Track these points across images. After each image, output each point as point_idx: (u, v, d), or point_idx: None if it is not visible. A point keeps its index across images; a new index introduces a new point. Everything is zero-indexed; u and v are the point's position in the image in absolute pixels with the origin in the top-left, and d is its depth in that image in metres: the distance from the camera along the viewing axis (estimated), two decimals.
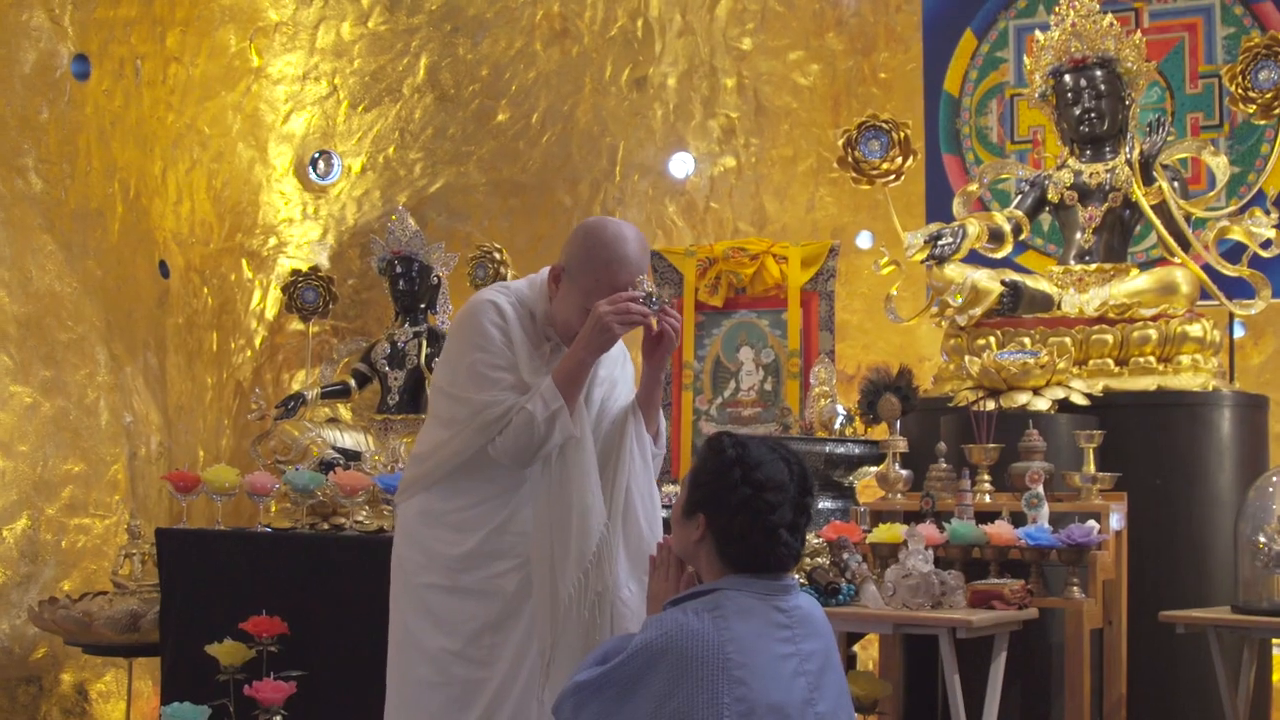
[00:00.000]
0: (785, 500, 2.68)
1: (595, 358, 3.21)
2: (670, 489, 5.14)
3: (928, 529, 4.54)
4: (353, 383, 7.00)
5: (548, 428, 3.13)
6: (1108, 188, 5.81)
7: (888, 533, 4.62)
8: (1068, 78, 5.85)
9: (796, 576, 4.36)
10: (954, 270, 5.72)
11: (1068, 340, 5.46)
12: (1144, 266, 5.91)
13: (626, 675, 2.60)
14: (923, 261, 5.84)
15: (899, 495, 5.09)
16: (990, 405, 5.14)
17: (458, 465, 3.24)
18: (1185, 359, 5.42)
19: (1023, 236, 6.08)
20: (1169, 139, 5.88)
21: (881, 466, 5.23)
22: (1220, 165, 5.89)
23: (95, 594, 6.05)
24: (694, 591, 2.70)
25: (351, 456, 6.30)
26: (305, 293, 7.20)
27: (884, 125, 6.03)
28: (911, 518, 4.82)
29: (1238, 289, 5.68)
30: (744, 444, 2.74)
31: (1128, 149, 5.81)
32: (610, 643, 2.76)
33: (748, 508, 2.66)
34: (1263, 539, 4.56)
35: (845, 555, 4.48)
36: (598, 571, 3.15)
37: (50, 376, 6.77)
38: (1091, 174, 5.85)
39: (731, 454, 2.72)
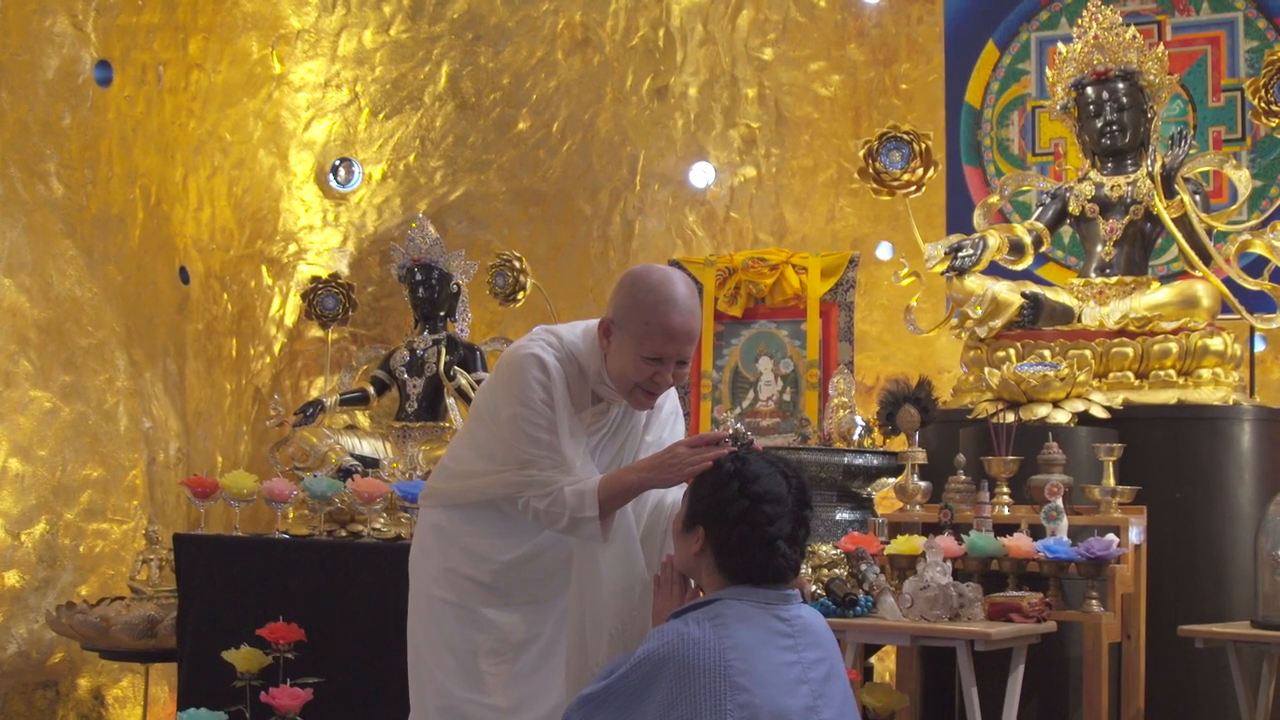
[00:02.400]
0: (783, 513, 2.70)
1: (653, 488, 3.11)
2: None
3: (946, 541, 4.52)
4: (371, 390, 7.01)
5: (572, 527, 3.07)
6: (1129, 200, 5.79)
7: (906, 544, 4.61)
8: (1090, 90, 5.83)
9: (815, 587, 4.38)
10: (974, 282, 5.71)
11: (1088, 353, 5.45)
12: (1165, 280, 5.89)
13: (630, 686, 2.62)
14: (943, 273, 5.83)
15: (917, 507, 5.08)
16: (1010, 417, 5.13)
17: (480, 500, 3.24)
18: (1206, 373, 5.40)
19: (1043, 249, 6.07)
20: (1191, 152, 5.87)
21: (900, 478, 5.22)
22: (1242, 179, 5.87)
23: (113, 599, 6.06)
24: (695, 603, 2.71)
25: (369, 463, 6.31)
26: (325, 299, 7.21)
27: (905, 136, 6.02)
28: (930, 529, 4.80)
29: (1259, 303, 5.66)
30: (742, 458, 2.77)
31: (1149, 162, 5.79)
32: (613, 660, 2.77)
33: (746, 520, 2.68)
34: None
35: (863, 566, 4.47)
36: (630, 644, 3.10)
37: (70, 382, 6.79)
38: (1113, 187, 5.84)
39: (730, 467, 2.75)
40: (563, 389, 3.11)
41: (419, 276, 6.90)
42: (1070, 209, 5.94)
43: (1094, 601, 4.52)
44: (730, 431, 2.99)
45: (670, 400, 3.34)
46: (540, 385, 3.09)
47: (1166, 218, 5.67)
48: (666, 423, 3.32)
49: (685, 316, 3.06)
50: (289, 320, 8.41)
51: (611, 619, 3.10)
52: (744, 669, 2.58)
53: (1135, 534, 4.77)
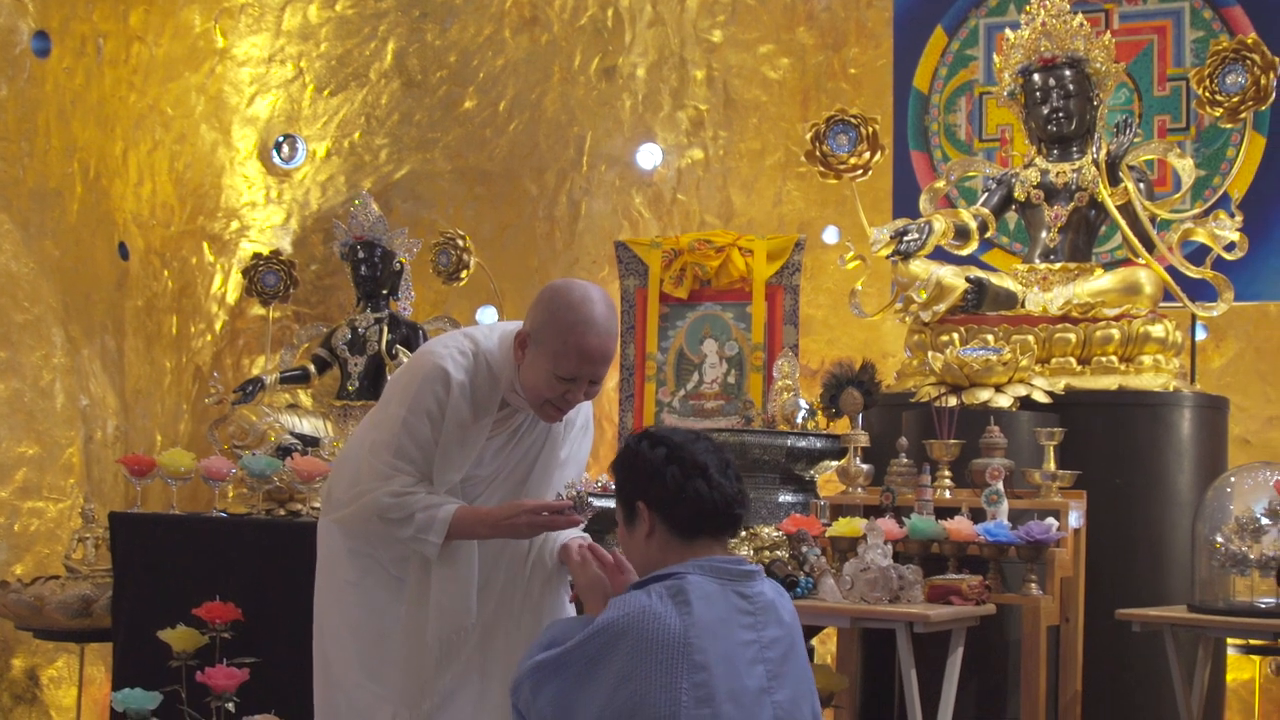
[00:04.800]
0: (700, 448, 2.73)
1: (498, 539, 3.18)
2: None
3: (887, 524, 4.53)
4: (312, 368, 6.94)
5: (412, 542, 3.12)
6: (1074, 187, 5.82)
7: (847, 526, 4.61)
8: (1037, 77, 5.85)
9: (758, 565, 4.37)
10: (919, 266, 5.72)
11: (1031, 338, 5.47)
12: (1108, 266, 5.92)
13: (586, 655, 2.59)
14: (888, 257, 5.83)
15: (859, 489, 5.08)
16: (952, 401, 5.14)
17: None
18: (1147, 359, 5.43)
19: (988, 234, 6.09)
20: (1136, 140, 5.90)
21: (842, 461, 5.22)
22: (1186, 168, 5.91)
23: (47, 578, 5.97)
24: (657, 575, 2.68)
25: (309, 442, 6.25)
26: (266, 276, 7.13)
27: (852, 120, 6.02)
28: (871, 512, 4.81)
29: (1201, 291, 5.70)
30: (644, 431, 2.82)
31: (1095, 149, 5.82)
32: (564, 627, 2.74)
33: (672, 460, 2.70)
34: (1220, 539, 4.57)
35: (804, 548, 4.47)
36: (449, 668, 3.17)
37: (5, 358, 6.68)
38: (1058, 173, 5.86)
39: (634, 438, 2.80)
40: (462, 404, 3.12)
41: (361, 254, 6.84)
42: (1016, 195, 5.96)
43: (1033, 585, 4.54)
44: (571, 498, 3.11)
45: (583, 414, 3.35)
46: (436, 401, 3.10)
47: (1111, 205, 5.70)
48: (577, 438, 3.35)
49: (602, 339, 3.06)
50: (230, 298, 8.32)
51: (435, 632, 3.14)
52: (702, 647, 2.56)
53: (1075, 518, 4.79)
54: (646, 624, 2.56)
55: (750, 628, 2.65)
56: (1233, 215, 5.61)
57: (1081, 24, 5.85)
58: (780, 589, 2.80)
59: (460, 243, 6.81)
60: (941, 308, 5.63)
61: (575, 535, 3.25)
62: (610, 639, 2.58)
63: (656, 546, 2.72)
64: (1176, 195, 5.95)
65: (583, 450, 3.39)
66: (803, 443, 5.49)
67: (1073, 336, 5.48)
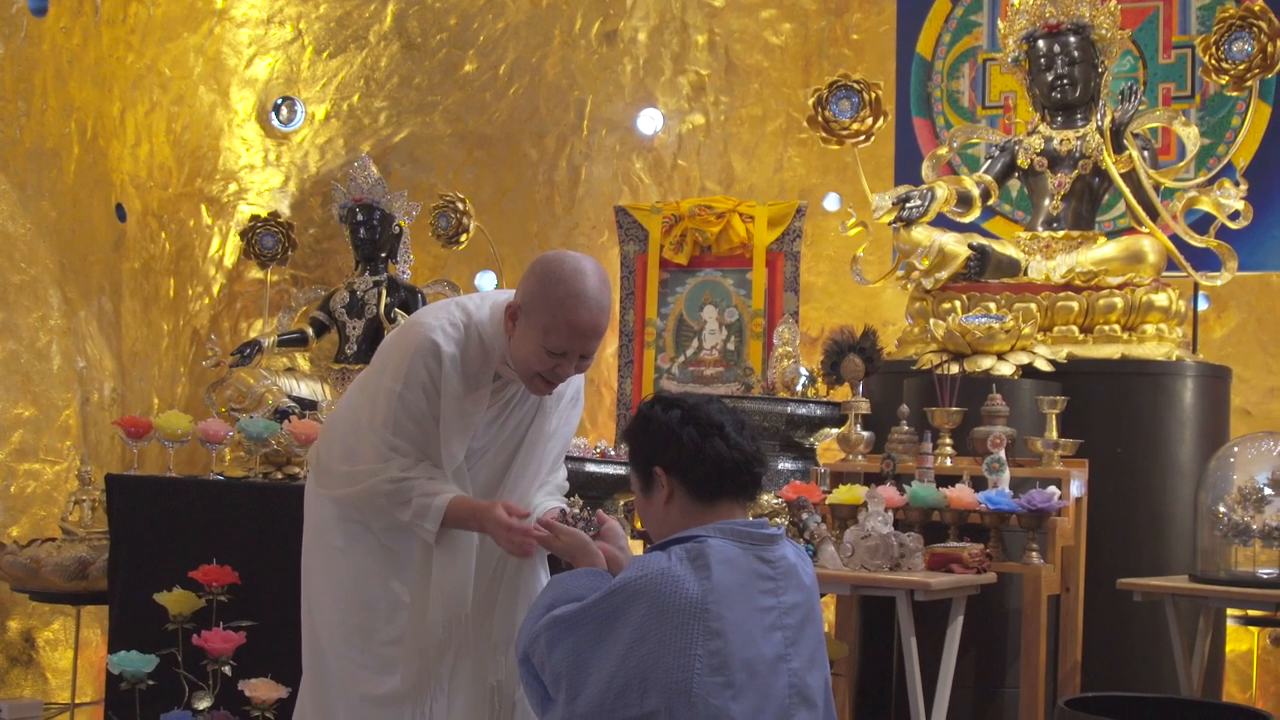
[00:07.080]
0: (715, 409, 2.72)
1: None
2: None
3: (888, 491, 4.51)
4: (310, 331, 6.91)
5: (410, 525, 3.10)
6: (1078, 155, 5.78)
7: (848, 494, 4.60)
8: (1041, 43, 5.81)
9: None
10: (921, 233, 5.70)
11: (1033, 306, 5.46)
12: (1112, 235, 5.89)
13: (603, 612, 2.58)
14: (890, 223, 5.80)
15: (860, 457, 5.07)
16: (954, 369, 5.12)
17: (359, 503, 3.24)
18: (1150, 328, 5.42)
19: (991, 201, 6.06)
20: (1140, 108, 5.86)
21: (843, 428, 5.20)
22: (1191, 136, 5.88)
23: (44, 540, 5.95)
24: (678, 536, 2.66)
25: (307, 405, 6.22)
26: (264, 238, 7.08)
27: (855, 85, 5.98)
28: (872, 479, 4.79)
29: (1204, 260, 5.67)
30: (654, 396, 2.81)
31: (1099, 116, 5.78)
32: (571, 582, 2.72)
33: (687, 421, 2.69)
34: (1223, 509, 4.56)
35: (804, 515, 4.45)
36: (458, 649, 3.15)
37: (1, 319, 6.64)
38: (1062, 140, 5.82)
39: (646, 404, 2.79)
40: (453, 377, 3.08)
41: (360, 217, 6.79)
42: (1019, 162, 5.93)
43: (1034, 554, 4.53)
44: (554, 518, 3.05)
45: (573, 386, 3.30)
46: (429, 374, 3.06)
47: (1115, 172, 5.67)
48: (566, 411, 3.31)
49: (594, 313, 3.00)
50: (228, 261, 8.28)
51: (440, 615, 3.12)
52: (720, 614, 2.54)
53: (1076, 487, 4.78)
54: (664, 586, 2.54)
55: (770, 593, 2.63)
56: (1237, 184, 5.58)
57: None
58: (802, 552, 2.79)
59: (460, 206, 6.77)
60: (944, 275, 5.60)
61: (551, 508, 3.22)
62: (627, 598, 2.56)
63: (677, 512, 2.70)
64: (1181, 163, 5.93)
65: (570, 423, 3.36)
66: (803, 409, 5.47)
67: (1075, 305, 5.46)
